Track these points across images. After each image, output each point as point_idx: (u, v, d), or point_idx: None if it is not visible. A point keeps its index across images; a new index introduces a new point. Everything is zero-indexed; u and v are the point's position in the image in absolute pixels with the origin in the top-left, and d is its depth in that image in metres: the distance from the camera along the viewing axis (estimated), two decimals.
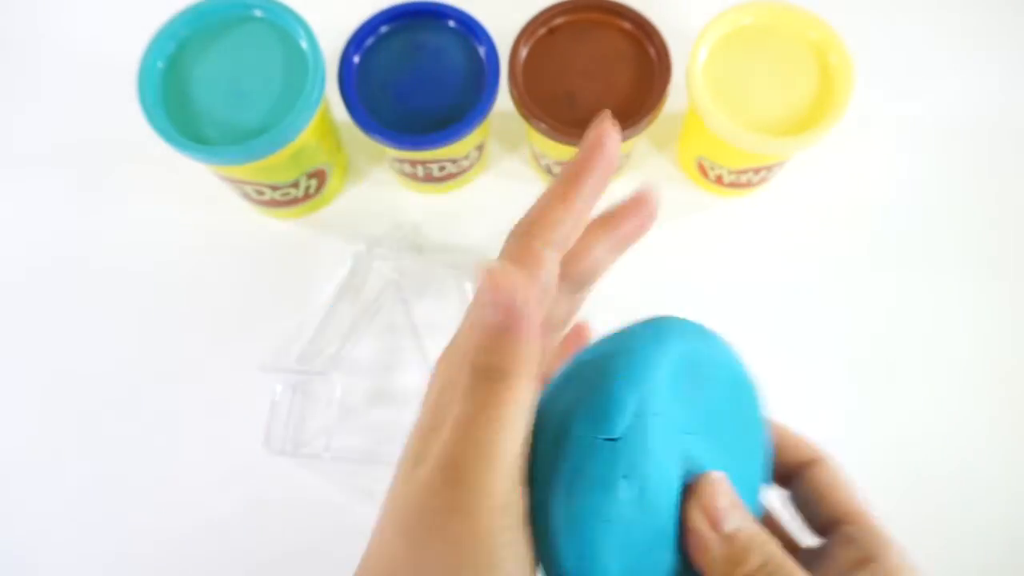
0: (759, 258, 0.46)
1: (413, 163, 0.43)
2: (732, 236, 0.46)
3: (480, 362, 0.20)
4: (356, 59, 0.41)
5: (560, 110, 0.40)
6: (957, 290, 0.45)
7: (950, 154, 0.48)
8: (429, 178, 0.45)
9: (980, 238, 0.46)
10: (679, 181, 0.48)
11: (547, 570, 0.20)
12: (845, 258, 0.46)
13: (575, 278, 0.24)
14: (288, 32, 0.40)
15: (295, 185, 0.43)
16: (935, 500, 0.42)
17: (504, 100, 0.41)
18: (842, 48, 0.40)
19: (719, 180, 0.45)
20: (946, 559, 0.39)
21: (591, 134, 0.22)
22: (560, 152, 0.42)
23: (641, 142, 0.45)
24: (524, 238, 0.21)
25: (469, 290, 0.45)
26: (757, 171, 0.43)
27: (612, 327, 0.23)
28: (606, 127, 0.22)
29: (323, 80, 0.39)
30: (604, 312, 0.44)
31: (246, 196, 0.43)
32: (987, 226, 0.47)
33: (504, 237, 0.21)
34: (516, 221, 0.22)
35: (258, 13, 0.40)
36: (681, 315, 0.23)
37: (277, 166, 0.40)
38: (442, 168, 0.43)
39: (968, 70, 0.50)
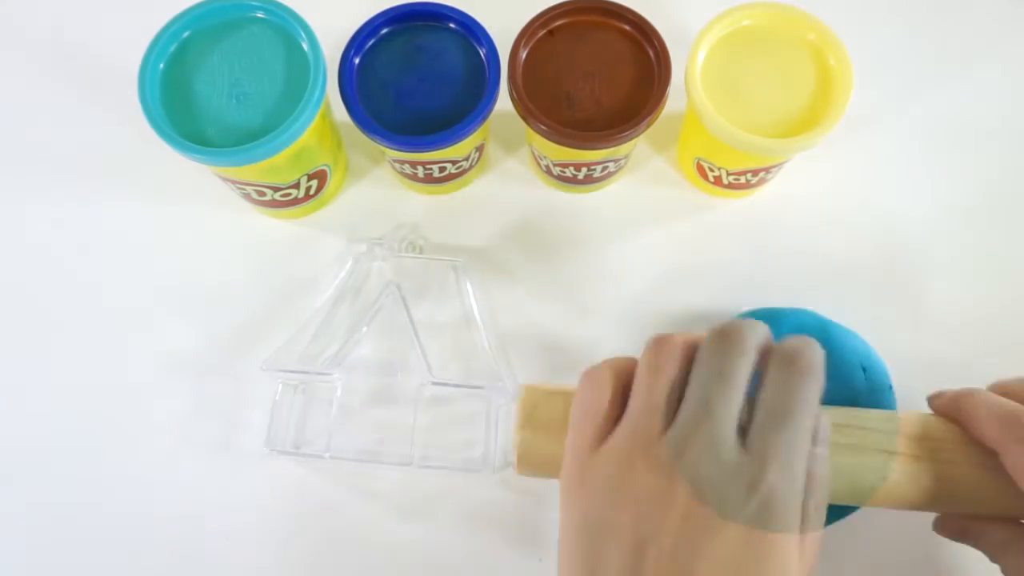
0: (758, 259, 0.46)
1: (413, 164, 0.43)
2: (731, 237, 0.47)
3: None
4: (356, 60, 0.41)
5: (559, 111, 0.41)
6: (956, 292, 0.46)
7: (949, 155, 0.48)
8: (429, 179, 0.45)
9: (979, 240, 0.47)
10: (678, 182, 0.48)
11: None
12: (843, 260, 0.46)
13: None
14: (289, 33, 0.40)
15: (296, 186, 0.43)
16: None
17: (504, 101, 0.41)
18: (841, 50, 0.40)
19: (718, 181, 0.45)
20: None
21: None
22: (559, 153, 0.42)
23: (640, 143, 0.45)
24: None
25: (469, 290, 0.45)
26: (756, 172, 0.43)
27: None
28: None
29: (324, 82, 0.39)
30: (605, 312, 0.44)
31: (247, 196, 0.43)
32: (987, 227, 0.47)
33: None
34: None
35: (259, 14, 0.40)
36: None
37: (278, 167, 0.40)
38: (442, 169, 0.43)
39: (968, 71, 0.50)
